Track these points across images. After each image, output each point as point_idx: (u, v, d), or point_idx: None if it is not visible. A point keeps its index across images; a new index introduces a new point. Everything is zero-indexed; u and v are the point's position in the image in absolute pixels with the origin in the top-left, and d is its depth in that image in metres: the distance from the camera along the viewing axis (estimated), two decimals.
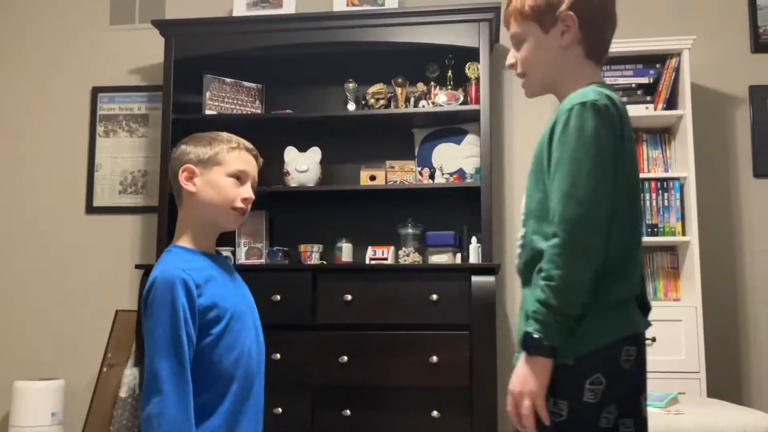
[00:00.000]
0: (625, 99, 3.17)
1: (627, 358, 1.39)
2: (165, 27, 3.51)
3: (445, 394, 3.00)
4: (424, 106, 3.43)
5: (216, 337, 1.66)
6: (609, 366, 1.37)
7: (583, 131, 1.38)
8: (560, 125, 1.41)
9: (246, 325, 1.74)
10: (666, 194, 3.22)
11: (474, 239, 3.26)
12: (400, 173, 3.41)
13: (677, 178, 3.22)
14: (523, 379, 1.36)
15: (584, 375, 1.36)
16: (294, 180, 3.42)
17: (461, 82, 3.44)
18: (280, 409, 3.03)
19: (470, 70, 3.39)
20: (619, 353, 1.39)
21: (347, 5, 3.53)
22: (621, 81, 3.29)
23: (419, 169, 3.43)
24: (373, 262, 3.28)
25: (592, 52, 1.54)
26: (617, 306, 1.41)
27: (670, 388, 2.63)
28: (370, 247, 3.33)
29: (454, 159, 3.42)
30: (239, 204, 1.76)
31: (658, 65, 3.30)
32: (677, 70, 3.26)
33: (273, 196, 3.44)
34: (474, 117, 3.31)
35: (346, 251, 3.37)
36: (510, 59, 1.61)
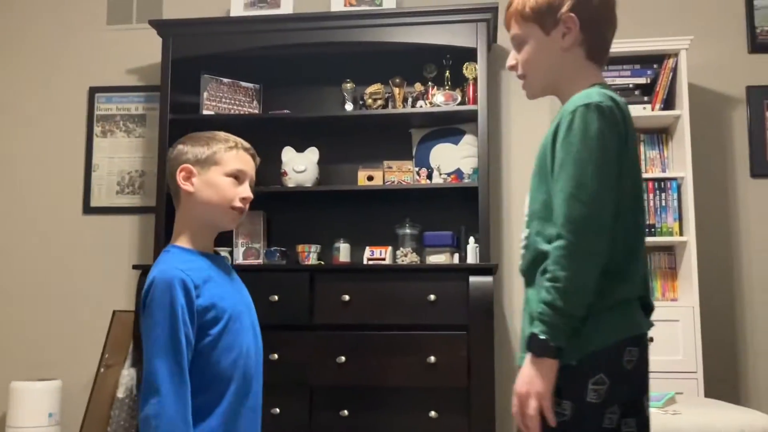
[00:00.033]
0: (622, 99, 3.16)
1: (630, 359, 1.40)
2: (162, 27, 3.51)
3: (443, 395, 3.00)
4: (421, 107, 3.43)
5: (214, 337, 1.66)
6: (612, 366, 1.38)
7: (587, 133, 1.38)
8: (564, 127, 1.41)
9: (244, 326, 1.74)
10: (663, 194, 3.23)
11: (471, 239, 3.26)
12: (398, 173, 3.41)
13: (674, 179, 3.23)
14: (530, 380, 1.36)
15: (587, 375, 1.37)
16: (291, 180, 3.42)
17: (459, 82, 3.44)
18: (277, 410, 3.02)
19: (468, 70, 3.40)
20: (621, 354, 1.39)
21: (345, 5, 3.53)
22: (618, 81, 3.29)
23: (417, 169, 3.43)
24: (370, 262, 3.28)
25: (593, 53, 1.55)
26: (620, 307, 1.41)
27: (668, 388, 2.63)
28: (367, 248, 3.33)
29: (452, 159, 3.42)
30: (238, 203, 1.76)
31: (655, 65, 3.31)
32: (674, 70, 3.27)
33: (271, 197, 3.44)
34: (472, 117, 3.31)
35: (343, 251, 3.37)
36: (511, 61, 1.61)
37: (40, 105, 3.92)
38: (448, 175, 3.40)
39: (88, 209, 3.81)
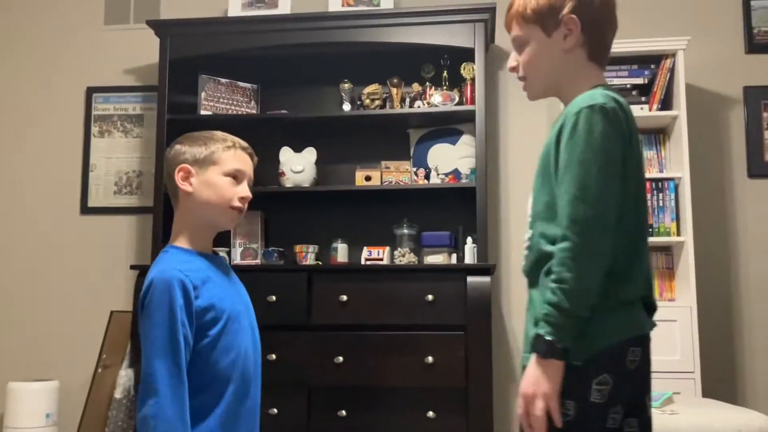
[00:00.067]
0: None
1: (633, 359, 1.41)
2: (160, 27, 3.51)
3: (441, 395, 3.00)
4: (419, 107, 3.43)
5: (213, 338, 1.65)
6: (615, 366, 1.39)
7: (592, 134, 1.39)
8: (568, 128, 1.42)
9: (243, 326, 1.74)
10: (661, 194, 3.23)
11: (469, 239, 3.27)
12: (396, 174, 3.41)
13: (672, 179, 3.23)
14: (536, 381, 1.37)
15: (591, 375, 1.37)
16: (289, 180, 3.41)
17: (456, 82, 3.45)
18: (275, 410, 3.02)
19: (465, 70, 3.40)
20: (625, 354, 1.40)
21: (342, 5, 3.53)
22: (616, 81, 3.29)
23: (414, 169, 3.43)
24: (368, 262, 3.28)
25: (595, 54, 1.55)
26: (623, 307, 1.42)
27: (665, 388, 2.64)
28: (365, 248, 3.33)
29: (450, 159, 3.42)
30: (237, 203, 1.76)
31: (652, 66, 3.31)
32: (672, 70, 3.27)
33: (268, 197, 3.44)
34: (469, 117, 3.32)
35: (341, 252, 3.37)
36: (512, 62, 1.62)
37: (37, 105, 3.91)
38: (446, 175, 3.41)
39: (85, 209, 3.80)
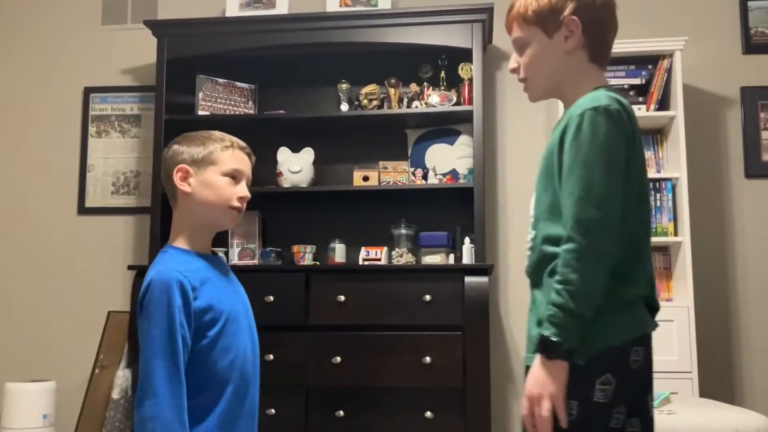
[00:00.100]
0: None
1: (636, 359, 1.41)
2: (157, 27, 3.50)
3: (439, 395, 3.00)
4: (417, 107, 3.43)
5: (212, 339, 1.65)
6: (618, 366, 1.39)
7: (597, 136, 1.39)
8: (572, 130, 1.42)
9: (241, 327, 1.74)
10: (658, 195, 3.23)
11: (467, 240, 3.27)
12: (393, 174, 3.41)
13: (669, 179, 3.23)
14: (542, 381, 1.37)
15: (595, 375, 1.38)
16: (287, 181, 3.41)
17: (454, 82, 3.45)
18: (273, 410, 3.02)
19: (463, 70, 3.40)
20: (628, 354, 1.41)
21: (340, 6, 3.53)
22: (613, 82, 3.30)
23: (412, 169, 3.43)
24: (366, 262, 3.28)
25: (596, 56, 1.56)
26: (626, 307, 1.43)
27: (663, 388, 2.64)
28: (363, 248, 3.33)
29: (447, 159, 3.43)
30: (236, 203, 1.76)
31: (650, 66, 3.32)
32: (669, 71, 3.28)
33: (266, 197, 3.44)
34: (467, 118, 3.32)
35: (339, 252, 3.36)
36: (512, 64, 1.62)
37: (35, 105, 3.91)
38: (444, 175, 3.41)
39: (83, 210, 3.80)
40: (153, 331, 1.59)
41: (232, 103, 3.59)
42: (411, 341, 3.02)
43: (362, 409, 3.05)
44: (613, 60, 3.39)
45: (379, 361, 3.02)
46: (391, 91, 3.48)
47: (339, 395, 3.06)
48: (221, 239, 3.27)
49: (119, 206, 3.77)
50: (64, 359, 3.65)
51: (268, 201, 3.50)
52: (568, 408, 1.38)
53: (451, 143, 3.45)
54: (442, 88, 3.45)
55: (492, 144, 3.57)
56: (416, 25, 3.34)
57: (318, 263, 3.39)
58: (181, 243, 1.75)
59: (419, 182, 3.39)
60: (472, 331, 2.98)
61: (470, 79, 3.34)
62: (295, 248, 3.38)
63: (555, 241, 1.44)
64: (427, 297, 3.03)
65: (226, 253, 3.41)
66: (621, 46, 3.22)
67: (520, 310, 3.46)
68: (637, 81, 3.32)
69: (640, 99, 3.31)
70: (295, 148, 3.48)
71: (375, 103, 3.46)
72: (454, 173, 3.40)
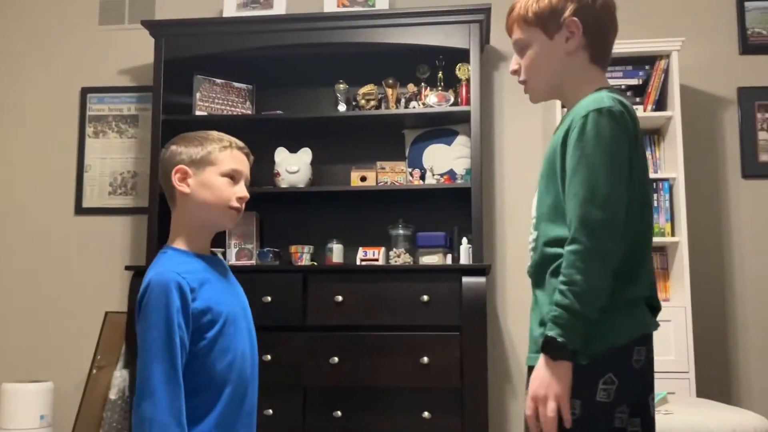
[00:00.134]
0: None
1: (638, 358, 1.42)
2: (155, 27, 3.50)
3: (436, 395, 3.00)
4: (414, 107, 3.43)
5: (210, 340, 1.65)
6: (621, 366, 1.40)
7: (601, 137, 1.40)
8: (576, 131, 1.43)
9: (240, 329, 1.73)
10: (655, 195, 3.24)
11: (464, 240, 3.27)
12: (391, 174, 3.41)
13: (666, 179, 3.24)
14: (547, 382, 1.37)
15: (597, 375, 1.39)
16: (285, 181, 3.41)
17: (452, 83, 3.45)
18: (270, 411, 3.02)
19: (461, 71, 3.40)
20: (630, 353, 1.42)
21: (337, 6, 3.53)
22: (611, 82, 3.28)
23: (410, 170, 3.43)
24: (363, 263, 3.28)
25: (597, 56, 1.57)
26: (629, 307, 1.44)
27: (660, 388, 2.63)
28: (360, 248, 3.33)
29: (445, 160, 3.43)
30: (235, 203, 1.75)
31: (647, 67, 3.32)
32: (666, 71, 3.28)
33: (263, 197, 3.44)
34: (464, 118, 3.32)
35: (336, 252, 3.36)
36: (513, 65, 1.62)
37: (32, 105, 3.90)
38: (441, 175, 3.41)
39: (80, 210, 3.79)
40: (151, 333, 1.58)
41: (230, 103, 3.59)
42: (408, 341, 3.02)
43: (360, 409, 3.05)
44: (610, 60, 3.40)
45: (377, 361, 3.02)
46: (389, 91, 3.48)
47: (336, 395, 3.06)
48: (219, 239, 3.27)
49: (116, 207, 3.77)
50: (62, 360, 3.64)
51: (266, 201, 3.50)
52: (571, 408, 1.38)
53: (449, 143, 3.46)
54: (440, 88, 3.45)
55: (489, 144, 3.58)
56: (414, 25, 3.34)
57: (315, 263, 3.39)
58: (179, 244, 1.74)
59: (417, 182, 3.39)
60: (470, 331, 2.98)
61: (467, 80, 3.34)
62: (293, 248, 3.38)
63: (557, 242, 1.44)
64: (425, 297, 3.03)
65: (224, 254, 3.41)
66: (618, 46, 3.19)
67: (517, 310, 3.46)
68: (634, 81, 3.33)
69: (637, 99, 3.32)
70: (293, 149, 3.47)
71: (372, 103, 3.46)
72: (451, 173, 3.40)
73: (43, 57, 3.93)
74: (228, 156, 1.76)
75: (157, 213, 3.28)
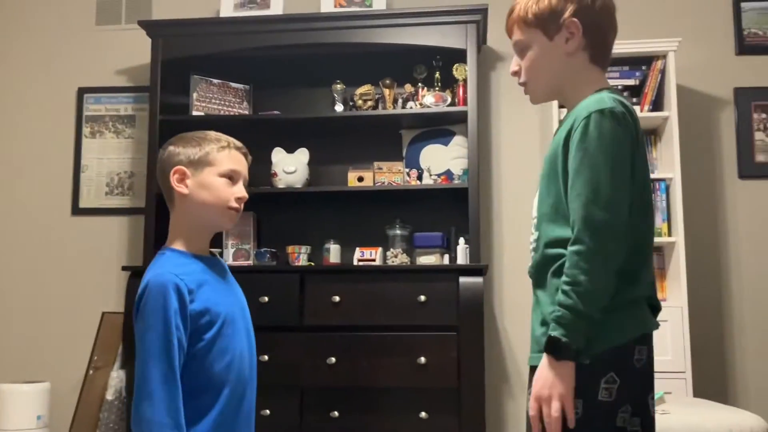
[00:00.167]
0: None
1: (639, 357, 1.43)
2: (152, 27, 3.50)
3: (433, 395, 3.00)
4: (411, 108, 3.43)
5: (208, 342, 1.65)
6: (622, 365, 1.41)
7: (603, 138, 1.41)
8: (578, 132, 1.43)
9: (238, 329, 1.73)
10: (652, 195, 3.24)
11: (462, 240, 3.27)
12: (388, 174, 3.41)
13: (663, 180, 3.24)
14: (551, 382, 1.38)
15: (599, 374, 1.39)
16: (282, 181, 3.41)
17: (449, 83, 3.45)
18: (267, 411, 3.02)
19: (458, 71, 3.40)
20: (632, 353, 1.42)
21: (335, 6, 3.53)
22: None
23: (407, 170, 3.44)
24: (361, 263, 3.28)
25: (597, 57, 1.57)
26: (630, 307, 1.44)
27: (657, 387, 2.61)
28: (358, 249, 3.33)
29: (442, 160, 3.43)
30: (233, 203, 1.75)
31: (644, 67, 3.33)
32: (663, 72, 3.29)
33: (260, 198, 3.43)
34: (461, 118, 3.32)
35: (334, 252, 3.36)
36: (514, 67, 1.63)
37: (28, 105, 3.89)
38: (438, 176, 3.41)
39: (76, 210, 3.79)
40: (149, 334, 1.58)
41: (227, 103, 3.59)
42: (406, 342, 3.02)
43: (357, 409, 3.05)
44: (610, 61, 3.41)
45: (374, 361, 3.02)
46: (386, 91, 3.48)
47: (334, 396, 3.06)
48: (216, 240, 3.25)
49: (113, 207, 3.76)
50: (58, 360, 3.64)
51: (263, 202, 3.49)
52: (574, 407, 1.39)
53: (446, 144, 3.46)
54: (437, 88, 3.45)
55: (486, 144, 3.58)
56: (411, 25, 3.34)
57: (313, 264, 3.39)
58: (178, 245, 1.74)
59: (414, 183, 3.39)
60: (467, 331, 2.98)
61: (465, 80, 3.34)
62: (290, 249, 3.38)
63: (558, 242, 1.45)
64: (422, 297, 3.03)
65: (221, 254, 3.40)
66: (615, 47, 3.20)
67: (514, 310, 3.46)
68: (631, 82, 3.33)
69: (634, 100, 3.32)
70: (290, 149, 3.47)
71: (370, 103, 3.46)
72: (448, 174, 3.40)
73: (40, 57, 3.92)
74: (226, 156, 1.76)
75: (154, 213, 3.28)
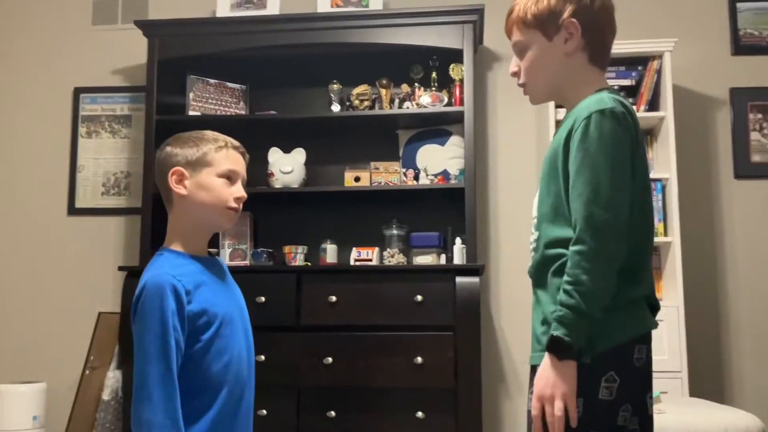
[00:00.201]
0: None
1: (639, 357, 1.44)
2: (148, 27, 3.50)
3: (430, 395, 3.01)
4: (408, 108, 3.43)
5: (206, 342, 1.65)
6: (622, 364, 1.42)
7: (604, 138, 1.41)
8: (579, 132, 1.44)
9: (236, 330, 1.73)
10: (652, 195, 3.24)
11: (458, 240, 3.27)
12: (385, 174, 3.42)
13: (659, 180, 3.25)
14: (554, 382, 1.38)
15: (599, 373, 1.40)
16: (278, 181, 3.41)
17: (445, 83, 3.45)
18: (264, 411, 3.02)
19: (454, 71, 3.41)
20: (632, 352, 1.43)
21: (331, 6, 3.53)
22: None
23: (404, 170, 3.44)
24: (357, 263, 3.28)
25: (596, 57, 1.58)
26: (630, 306, 1.45)
27: (654, 387, 2.65)
28: (354, 248, 3.33)
29: (439, 160, 3.43)
30: (233, 204, 1.75)
31: (640, 67, 3.34)
32: (659, 72, 3.29)
33: (257, 198, 3.42)
34: (458, 118, 3.32)
35: (330, 252, 3.36)
36: (513, 67, 1.63)
37: (24, 105, 3.89)
38: (435, 176, 3.41)
39: (73, 210, 3.78)
40: (146, 336, 1.58)
41: (223, 103, 3.59)
42: (402, 341, 3.03)
43: (354, 409, 3.05)
44: (609, 61, 3.42)
45: (371, 361, 3.03)
46: (383, 91, 3.48)
47: (331, 396, 3.06)
48: (212, 240, 3.25)
49: (110, 207, 3.76)
50: (55, 360, 3.63)
51: (260, 201, 3.49)
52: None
53: (443, 144, 3.46)
54: (434, 88, 3.45)
55: (483, 144, 3.58)
56: (407, 25, 3.34)
57: (309, 264, 3.39)
58: (176, 246, 1.74)
59: (410, 183, 3.40)
60: (464, 331, 2.99)
61: (461, 80, 3.35)
62: (287, 249, 3.37)
63: (558, 242, 1.46)
64: (419, 297, 3.03)
65: (217, 254, 3.40)
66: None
67: (511, 310, 3.47)
68: (627, 82, 3.34)
69: (630, 100, 3.32)
70: (287, 149, 3.47)
71: (366, 103, 3.47)
72: (445, 174, 3.41)
73: (36, 57, 3.91)
74: (224, 156, 1.75)
75: (151, 213, 3.27)
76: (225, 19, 3.53)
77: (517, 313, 3.42)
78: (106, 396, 3.29)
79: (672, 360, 3.04)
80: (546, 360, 1.40)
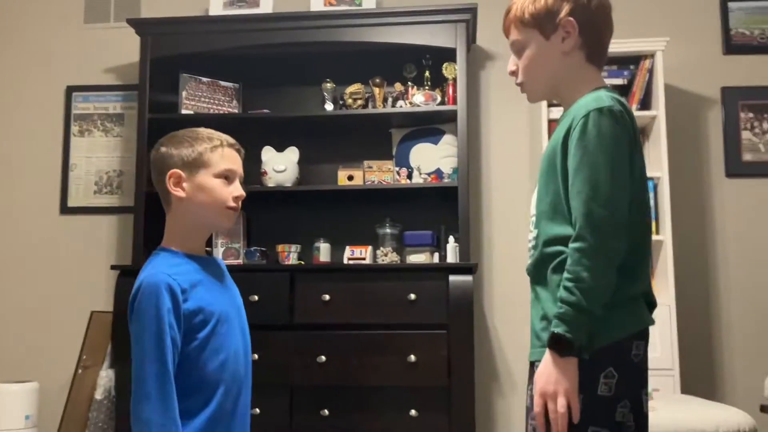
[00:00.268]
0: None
1: (636, 353, 1.45)
2: (140, 26, 3.49)
3: (423, 393, 3.01)
4: (401, 107, 3.44)
5: (202, 341, 1.65)
6: (620, 360, 1.43)
7: (602, 137, 1.42)
8: (577, 130, 1.44)
9: (233, 328, 1.73)
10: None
11: (451, 239, 3.28)
12: (378, 173, 3.42)
13: (651, 178, 3.26)
14: (556, 379, 1.39)
15: (598, 369, 1.41)
16: (271, 180, 3.41)
17: (438, 82, 3.46)
18: (257, 410, 3.02)
19: (447, 70, 3.41)
20: (630, 348, 1.44)
21: (324, 5, 3.53)
22: None
23: (397, 169, 3.44)
24: (351, 262, 3.28)
25: (593, 56, 1.59)
26: (629, 303, 1.46)
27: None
28: (348, 247, 3.34)
29: (432, 159, 3.44)
30: (232, 203, 1.75)
31: (631, 66, 3.35)
32: (651, 71, 3.31)
33: (250, 196, 3.35)
34: (451, 117, 3.33)
35: (324, 251, 3.37)
36: (511, 66, 1.64)
37: (16, 104, 3.87)
38: (428, 174, 3.42)
39: (65, 209, 3.77)
40: (143, 335, 1.58)
41: (216, 102, 3.58)
42: (396, 340, 3.03)
43: (347, 408, 3.05)
44: (606, 60, 3.43)
45: (364, 360, 3.03)
46: (376, 90, 3.48)
47: (324, 394, 3.07)
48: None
49: (102, 206, 3.75)
50: (47, 360, 3.62)
51: (253, 200, 3.45)
52: None
53: (436, 143, 3.47)
54: (427, 87, 3.45)
55: (476, 143, 3.59)
56: (400, 24, 3.34)
57: (303, 263, 3.39)
58: (173, 245, 1.74)
59: (404, 182, 3.40)
60: (457, 329, 2.99)
61: (454, 79, 3.35)
62: (280, 248, 3.37)
63: (557, 240, 1.46)
64: (412, 296, 3.04)
65: (210, 253, 3.40)
66: None
67: (504, 308, 3.47)
68: (619, 81, 3.35)
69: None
70: (280, 148, 3.47)
71: (360, 102, 3.47)
72: (438, 172, 3.41)
73: (29, 55, 3.90)
74: (220, 156, 1.75)
75: (143, 212, 3.26)
76: (218, 18, 3.52)
77: (510, 312, 3.43)
78: (98, 395, 3.28)
79: (664, 358, 3.06)
80: (547, 357, 1.41)
